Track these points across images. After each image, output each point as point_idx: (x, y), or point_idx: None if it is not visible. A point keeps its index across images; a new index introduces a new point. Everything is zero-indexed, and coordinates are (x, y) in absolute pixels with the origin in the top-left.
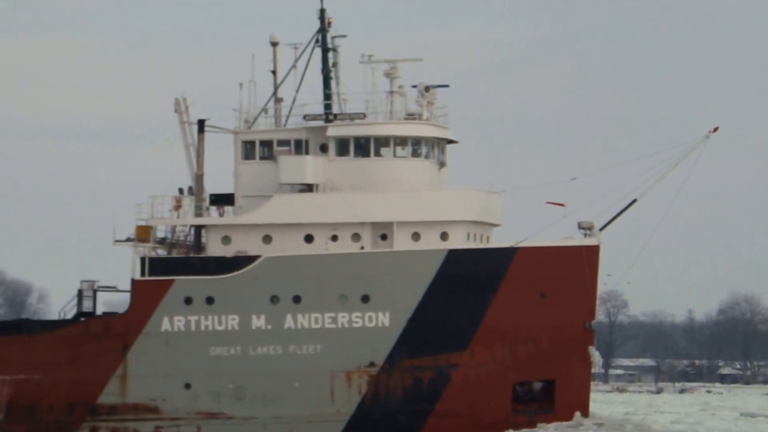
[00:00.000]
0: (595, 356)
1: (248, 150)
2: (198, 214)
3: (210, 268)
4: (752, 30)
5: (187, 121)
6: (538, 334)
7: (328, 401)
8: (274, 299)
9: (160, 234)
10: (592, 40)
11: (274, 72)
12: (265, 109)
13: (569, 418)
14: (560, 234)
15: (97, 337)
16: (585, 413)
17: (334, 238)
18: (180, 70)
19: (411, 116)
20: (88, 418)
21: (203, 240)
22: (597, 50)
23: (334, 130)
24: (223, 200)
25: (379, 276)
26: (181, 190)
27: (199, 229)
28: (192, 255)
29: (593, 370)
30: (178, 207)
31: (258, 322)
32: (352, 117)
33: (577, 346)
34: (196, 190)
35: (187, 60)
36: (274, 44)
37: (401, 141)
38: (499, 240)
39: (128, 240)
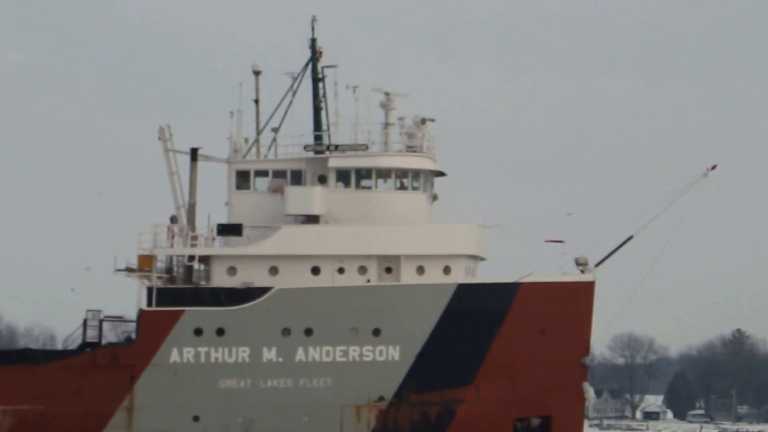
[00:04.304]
0: (589, 392)
1: (242, 180)
2: (193, 245)
3: (220, 299)
4: (752, 68)
5: (171, 149)
6: (538, 370)
7: None
8: (286, 332)
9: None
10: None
11: (256, 101)
12: (246, 139)
13: None
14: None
15: (104, 368)
16: None
17: (341, 270)
18: (168, 99)
19: (411, 149)
20: None
21: (199, 272)
22: None
23: (336, 161)
24: (230, 230)
25: (391, 309)
26: (172, 219)
27: (191, 259)
28: (202, 285)
29: (587, 406)
30: (173, 236)
31: (269, 354)
32: (354, 148)
33: (573, 383)
34: (188, 219)
35: (175, 89)
36: (257, 73)
37: (402, 173)
38: (483, 274)
39: (128, 269)
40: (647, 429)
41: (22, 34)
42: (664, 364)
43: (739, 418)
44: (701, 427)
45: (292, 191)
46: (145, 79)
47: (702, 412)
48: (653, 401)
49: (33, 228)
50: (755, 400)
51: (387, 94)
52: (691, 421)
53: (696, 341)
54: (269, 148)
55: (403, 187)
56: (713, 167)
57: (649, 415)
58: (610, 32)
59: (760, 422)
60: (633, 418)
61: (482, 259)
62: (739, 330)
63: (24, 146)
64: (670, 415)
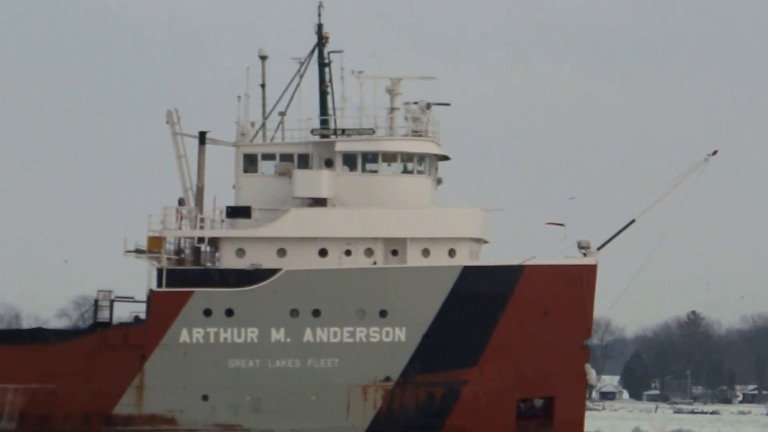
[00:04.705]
0: (591, 374)
1: (249, 163)
2: (201, 227)
3: (229, 280)
4: (753, 55)
5: (179, 132)
6: (541, 352)
7: (343, 415)
8: (294, 312)
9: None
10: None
11: (263, 86)
12: (253, 123)
13: None
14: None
15: (115, 348)
16: (580, 430)
17: (348, 252)
18: (176, 83)
19: (417, 133)
20: (103, 428)
21: (205, 253)
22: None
23: (342, 145)
24: (239, 212)
25: (397, 291)
26: (180, 201)
27: (200, 241)
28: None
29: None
30: (182, 219)
31: (277, 335)
32: (360, 132)
33: (575, 364)
34: (196, 201)
35: (184, 73)
36: (263, 58)
37: (407, 157)
38: (487, 258)
39: (137, 251)
40: (603, 409)
41: (26, 16)
42: (621, 345)
43: (693, 399)
44: (657, 407)
45: (301, 174)
46: (154, 63)
47: (657, 392)
48: (609, 382)
49: (38, 213)
50: (709, 381)
51: (398, 80)
52: (676, 404)
53: (652, 323)
54: (275, 132)
55: (408, 171)
56: (714, 153)
57: (606, 395)
58: (612, 25)
59: (714, 402)
60: (590, 398)
61: (486, 242)
62: (694, 312)
63: (31, 133)
64: (626, 395)
